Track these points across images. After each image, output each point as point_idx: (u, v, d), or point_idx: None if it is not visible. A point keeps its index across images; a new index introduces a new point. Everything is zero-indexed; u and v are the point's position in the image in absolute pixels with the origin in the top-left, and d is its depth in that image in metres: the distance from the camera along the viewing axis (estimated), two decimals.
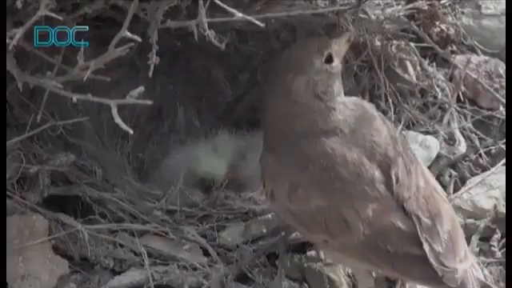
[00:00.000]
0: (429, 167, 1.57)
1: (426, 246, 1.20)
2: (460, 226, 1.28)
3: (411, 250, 1.20)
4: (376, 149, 1.26)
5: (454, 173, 1.60)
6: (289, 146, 1.28)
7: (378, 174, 1.24)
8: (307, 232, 1.30)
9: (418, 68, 1.73)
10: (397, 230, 1.21)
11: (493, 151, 1.64)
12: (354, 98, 1.34)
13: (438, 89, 1.70)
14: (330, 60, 1.29)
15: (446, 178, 1.58)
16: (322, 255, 1.42)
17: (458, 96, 1.71)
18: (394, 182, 1.24)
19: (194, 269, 1.41)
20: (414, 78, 1.71)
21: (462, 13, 1.82)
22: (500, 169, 1.58)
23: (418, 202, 1.23)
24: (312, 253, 1.43)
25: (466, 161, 1.62)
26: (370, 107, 1.34)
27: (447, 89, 1.71)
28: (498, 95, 1.70)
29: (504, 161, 1.58)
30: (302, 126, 1.27)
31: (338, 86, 1.30)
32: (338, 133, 1.26)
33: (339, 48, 1.32)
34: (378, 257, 1.22)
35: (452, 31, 1.79)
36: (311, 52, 1.29)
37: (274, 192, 1.30)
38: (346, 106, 1.29)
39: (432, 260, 1.19)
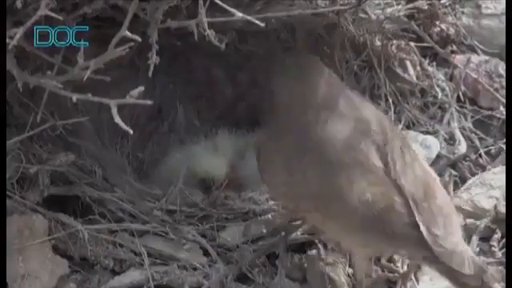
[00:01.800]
0: None
1: (423, 228, 1.22)
2: (456, 211, 1.31)
3: (409, 232, 1.23)
4: (372, 132, 1.29)
5: (454, 173, 1.60)
6: (283, 128, 1.32)
7: (375, 155, 1.27)
8: (305, 213, 1.33)
9: (418, 68, 1.73)
10: (395, 212, 1.23)
11: (493, 151, 1.64)
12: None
13: (438, 89, 1.70)
14: None
15: (446, 177, 1.58)
16: (324, 254, 1.42)
17: (458, 96, 1.71)
18: (392, 165, 1.26)
19: (194, 269, 1.41)
20: (414, 78, 1.71)
21: (462, 13, 1.82)
22: (500, 169, 1.58)
23: (416, 185, 1.26)
24: (313, 252, 1.43)
25: (466, 161, 1.62)
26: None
27: (447, 89, 1.71)
28: (498, 95, 1.70)
29: (500, 158, 1.59)
30: (297, 105, 1.31)
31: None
32: (335, 110, 1.29)
33: None
34: (377, 237, 1.25)
35: (452, 31, 1.79)
36: None
37: (270, 176, 1.33)
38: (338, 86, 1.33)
39: (429, 241, 1.21)
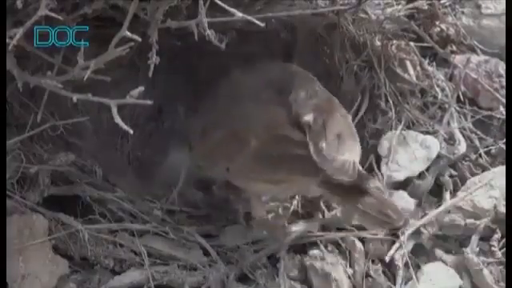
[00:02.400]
0: (429, 167, 1.57)
1: (310, 145, 1.27)
2: (354, 134, 1.36)
3: (297, 151, 1.28)
4: (273, 77, 1.39)
5: (454, 173, 1.60)
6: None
7: (274, 96, 1.35)
8: (213, 167, 1.42)
9: (418, 68, 1.73)
10: (288, 138, 1.30)
11: (493, 151, 1.64)
12: None
13: (438, 89, 1.70)
14: None
15: (446, 177, 1.58)
16: (325, 255, 1.42)
17: (458, 96, 1.71)
18: (293, 103, 1.33)
19: (194, 269, 1.41)
20: (414, 78, 1.71)
21: (462, 13, 1.82)
22: (500, 169, 1.57)
23: (316, 118, 1.31)
24: (314, 252, 1.43)
25: (466, 161, 1.62)
26: None
27: (447, 89, 1.71)
28: (498, 95, 1.70)
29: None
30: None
31: None
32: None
33: None
34: (269, 164, 1.30)
35: (452, 31, 1.79)
36: None
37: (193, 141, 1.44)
38: None
39: (313, 153, 1.26)
